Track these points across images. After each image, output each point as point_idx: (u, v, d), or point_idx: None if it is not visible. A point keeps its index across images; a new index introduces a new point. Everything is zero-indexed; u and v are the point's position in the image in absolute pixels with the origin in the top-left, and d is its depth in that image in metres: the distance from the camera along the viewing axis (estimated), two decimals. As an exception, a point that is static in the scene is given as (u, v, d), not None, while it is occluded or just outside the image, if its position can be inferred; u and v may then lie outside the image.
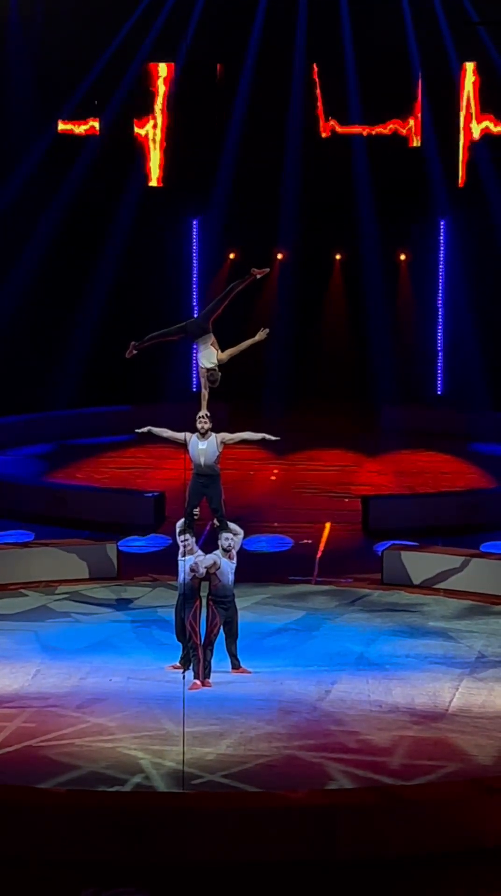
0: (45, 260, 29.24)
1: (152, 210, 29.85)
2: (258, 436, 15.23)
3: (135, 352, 15.44)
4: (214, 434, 15.01)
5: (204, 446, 14.99)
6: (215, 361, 15.21)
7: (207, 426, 14.98)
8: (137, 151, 29.49)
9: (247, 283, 15.42)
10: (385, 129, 29.49)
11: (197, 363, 15.61)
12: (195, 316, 17.43)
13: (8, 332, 28.57)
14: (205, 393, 15.28)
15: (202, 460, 15.02)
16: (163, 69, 29.20)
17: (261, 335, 15.41)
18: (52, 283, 29.34)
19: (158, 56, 29.18)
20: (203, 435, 14.99)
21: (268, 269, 15.75)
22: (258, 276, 15.49)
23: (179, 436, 15.11)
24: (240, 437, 15.23)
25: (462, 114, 29.09)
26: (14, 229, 29.05)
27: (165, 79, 29.25)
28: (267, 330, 15.46)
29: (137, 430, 15.55)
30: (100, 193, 29.53)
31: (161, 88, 29.26)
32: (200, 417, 15.01)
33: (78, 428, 28.64)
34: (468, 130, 29.05)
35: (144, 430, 15.35)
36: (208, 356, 15.23)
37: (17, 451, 26.94)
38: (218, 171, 29.88)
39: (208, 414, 15.05)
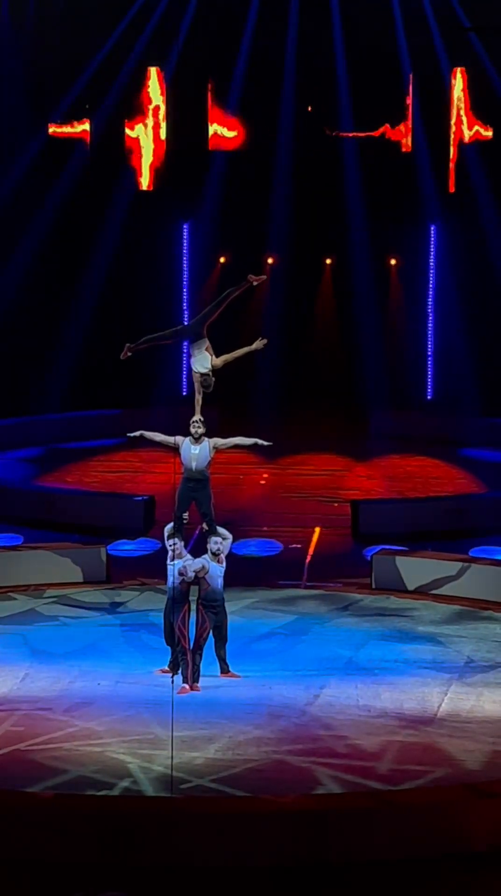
0: (35, 263, 29.22)
1: (143, 213, 29.84)
2: (251, 441, 15.24)
3: (129, 353, 15.41)
4: (206, 439, 15.02)
5: (197, 451, 14.99)
6: (210, 366, 15.19)
7: (201, 431, 14.98)
8: (129, 155, 29.49)
9: (243, 290, 15.37)
10: (376, 134, 29.50)
11: (188, 367, 15.60)
12: (187, 321, 17.42)
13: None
14: (199, 398, 15.27)
15: (194, 465, 15.02)
16: (154, 72, 29.20)
17: (258, 344, 15.36)
18: (42, 286, 29.33)
19: (150, 59, 29.16)
20: (197, 440, 14.99)
21: (265, 277, 15.74)
22: (255, 284, 15.49)
23: (171, 439, 15.12)
24: (233, 443, 15.23)
25: (453, 119, 29.11)
26: (5, 232, 29.02)
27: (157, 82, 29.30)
28: (265, 340, 15.40)
29: (129, 434, 15.56)
30: (91, 197, 29.50)
31: (153, 92, 29.25)
32: (193, 422, 15.01)
33: (68, 432, 28.61)
34: (458, 135, 29.07)
35: (137, 433, 15.36)
36: (203, 361, 15.21)
37: (6, 454, 26.90)
38: (209, 174, 29.88)
39: (202, 419, 15.05)
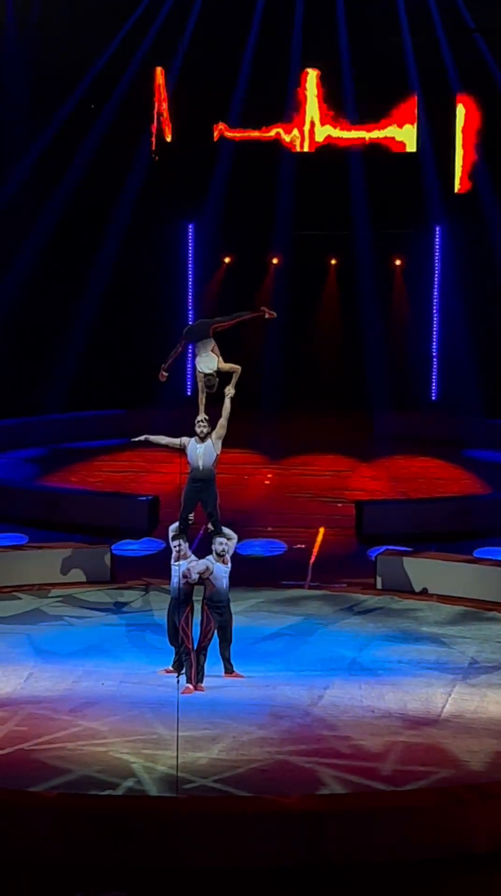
0: (39, 263, 29.24)
1: (148, 214, 29.85)
2: (230, 393, 15.02)
3: (166, 373, 15.58)
4: (209, 437, 15.04)
5: (202, 450, 15.02)
6: (214, 368, 15.21)
7: (205, 430, 15.01)
8: (132, 156, 29.51)
9: (253, 317, 15.76)
10: (382, 135, 29.51)
11: (192, 368, 15.63)
12: (191, 323, 17.41)
13: (1, 336, 28.55)
14: (202, 397, 15.30)
15: (201, 463, 15.04)
16: (159, 73, 29.21)
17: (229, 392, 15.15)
18: (46, 286, 29.35)
19: (154, 59, 29.18)
20: (202, 439, 15.02)
21: (275, 315, 15.89)
22: (266, 317, 15.72)
23: (177, 441, 15.14)
24: (225, 415, 15.05)
25: (458, 121, 29.13)
26: (9, 232, 29.05)
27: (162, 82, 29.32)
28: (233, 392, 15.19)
29: (132, 440, 15.56)
30: (95, 197, 29.52)
31: (158, 92, 29.27)
32: (198, 422, 15.04)
33: (71, 432, 28.62)
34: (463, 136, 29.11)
35: (141, 438, 15.37)
36: (208, 362, 15.22)
37: (10, 454, 26.94)
38: (214, 175, 29.90)
39: (207, 417, 15.07)
